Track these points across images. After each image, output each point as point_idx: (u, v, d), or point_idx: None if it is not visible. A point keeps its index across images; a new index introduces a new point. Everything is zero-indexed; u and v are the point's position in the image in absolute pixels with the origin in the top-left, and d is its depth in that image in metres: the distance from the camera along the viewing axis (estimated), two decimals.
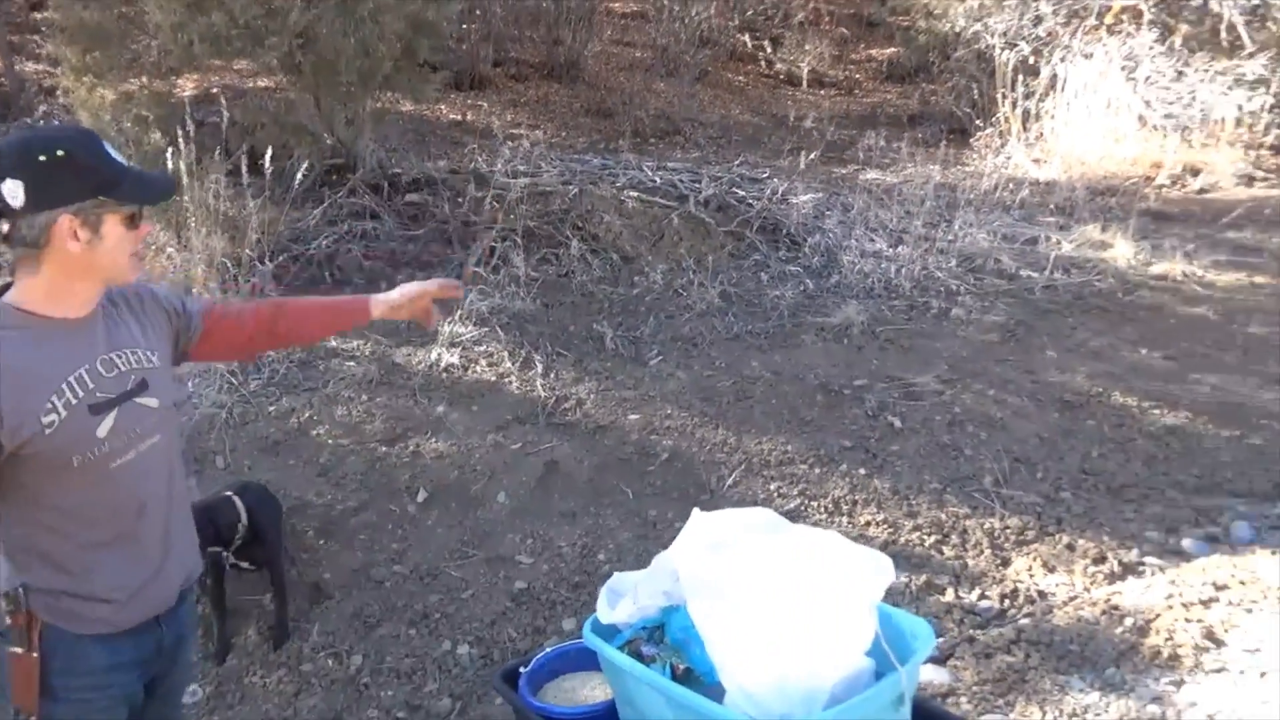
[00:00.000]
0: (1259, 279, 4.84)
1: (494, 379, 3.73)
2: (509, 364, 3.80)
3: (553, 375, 3.76)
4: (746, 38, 9.59)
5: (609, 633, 1.74)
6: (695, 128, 7.57)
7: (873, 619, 1.57)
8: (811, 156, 6.11)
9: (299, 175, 4.49)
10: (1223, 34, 6.64)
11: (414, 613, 2.68)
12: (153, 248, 4.21)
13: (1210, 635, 2.56)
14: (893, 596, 2.81)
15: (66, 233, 1.37)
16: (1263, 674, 2.42)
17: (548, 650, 1.96)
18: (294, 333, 1.81)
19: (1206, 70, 6.47)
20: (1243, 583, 2.76)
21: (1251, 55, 6.49)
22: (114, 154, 1.42)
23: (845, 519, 3.12)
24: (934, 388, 3.77)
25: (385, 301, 1.80)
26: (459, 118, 7.17)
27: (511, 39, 8.62)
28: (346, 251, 4.63)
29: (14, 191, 1.33)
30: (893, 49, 9.50)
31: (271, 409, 3.42)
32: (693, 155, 6.78)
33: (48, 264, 1.38)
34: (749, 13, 9.95)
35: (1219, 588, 2.75)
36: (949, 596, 2.81)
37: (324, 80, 5.12)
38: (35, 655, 1.42)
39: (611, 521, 3.07)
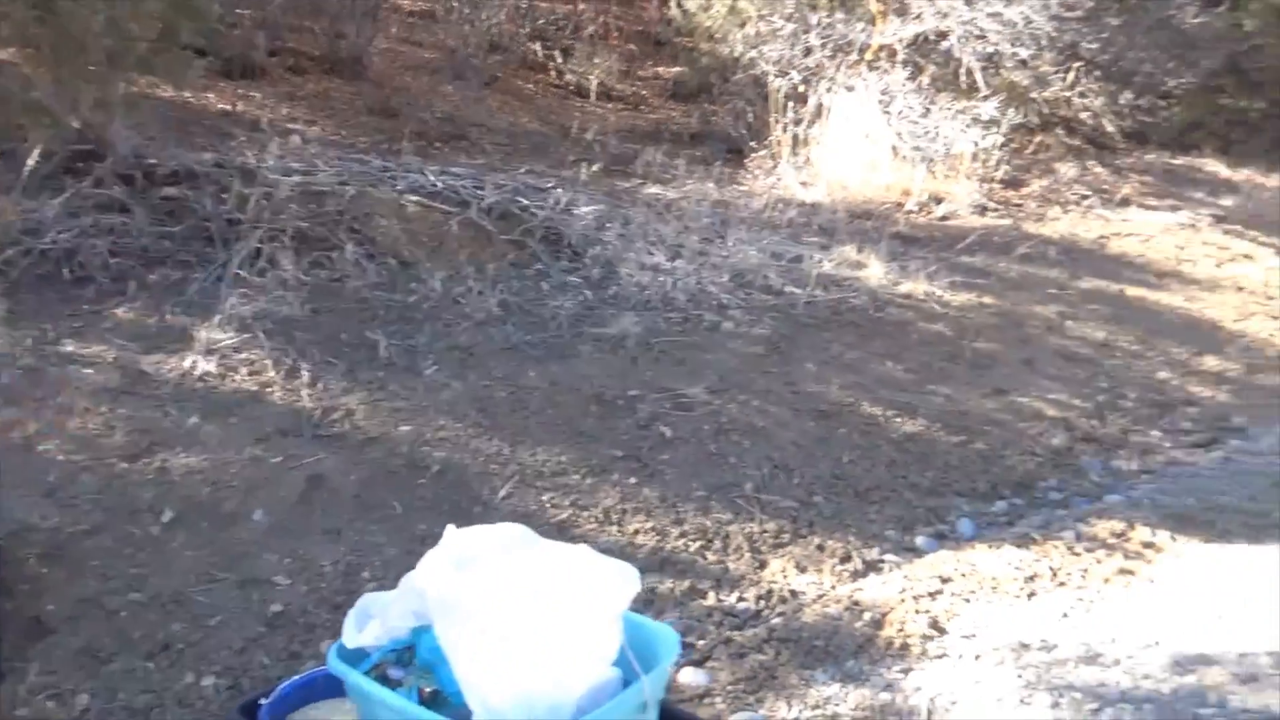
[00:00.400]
0: (986, 299, 5.40)
1: (255, 389, 3.53)
2: (273, 373, 3.61)
3: (320, 385, 3.60)
4: (537, 46, 9.61)
5: (358, 656, 1.69)
6: (482, 133, 7.50)
7: (617, 629, 1.61)
8: (595, 168, 6.21)
9: (32, 160, 4.06)
10: (962, 78, 7.37)
11: (153, 644, 2.49)
12: None
13: (935, 624, 2.83)
14: (659, 602, 2.92)
15: None
16: (977, 656, 2.70)
17: (293, 678, 1.88)
18: None
19: (949, 109, 7.15)
20: (963, 575, 3.07)
21: (986, 98, 7.25)
22: None
23: (615, 528, 3.20)
24: (703, 398, 3.94)
25: None
26: (228, 108, 6.72)
27: (290, 28, 8.19)
28: (90, 247, 4.23)
29: None
30: (678, 68, 9.83)
31: None
32: (478, 161, 6.71)
33: None
34: (540, 21, 9.98)
35: (944, 580, 3.04)
36: (710, 600, 2.94)
37: (66, 58, 4.66)
38: None
39: (378, 538, 2.98)
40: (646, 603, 2.91)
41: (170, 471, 3.02)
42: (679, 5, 9.76)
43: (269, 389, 3.53)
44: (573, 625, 1.59)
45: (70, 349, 3.58)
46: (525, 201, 5.45)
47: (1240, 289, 6.45)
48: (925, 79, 7.43)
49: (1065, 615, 2.88)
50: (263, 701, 1.77)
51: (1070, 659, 2.65)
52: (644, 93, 9.79)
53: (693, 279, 4.95)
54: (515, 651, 1.55)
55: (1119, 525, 3.42)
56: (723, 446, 3.68)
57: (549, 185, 5.92)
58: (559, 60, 9.50)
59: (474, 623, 1.54)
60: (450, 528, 1.75)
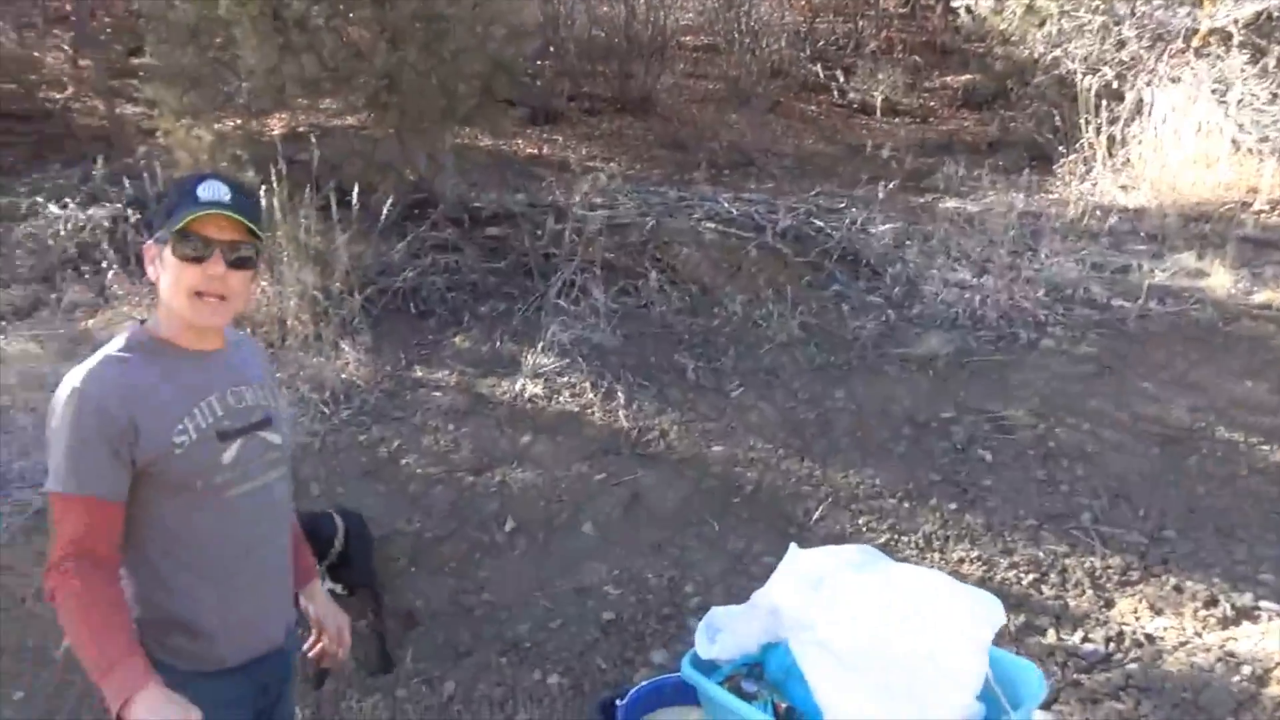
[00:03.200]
0: None
1: (577, 410, 3.76)
2: (591, 395, 3.82)
3: (635, 406, 3.76)
4: (818, 68, 9.58)
5: (707, 668, 1.73)
6: (769, 158, 7.57)
7: (983, 662, 1.53)
8: (889, 185, 6.04)
9: (384, 210, 4.61)
10: None
11: (503, 642, 2.69)
12: None
13: None
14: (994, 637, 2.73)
15: (147, 260, 1.49)
16: None
17: (643, 684, 1.95)
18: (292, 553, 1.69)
19: None
20: None
21: None
22: (203, 189, 1.43)
23: (937, 555, 3.05)
24: (1026, 421, 3.67)
25: (317, 601, 1.76)
26: (535, 152, 7.29)
27: (585, 74, 8.76)
28: (430, 284, 4.73)
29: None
30: (968, 76, 9.38)
31: (362, 438, 3.49)
32: (768, 186, 6.77)
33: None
34: (820, 43, 9.96)
35: None
36: (1050, 638, 2.72)
37: (407, 118, 5.27)
38: None
39: (698, 554, 3.04)
40: None
41: (509, 485, 3.27)
42: (968, 10, 9.33)
43: (589, 410, 3.74)
44: (936, 654, 1.52)
45: (420, 374, 4.00)
46: (819, 223, 5.41)
47: None
48: (1271, 61, 6.53)
49: None
50: (618, 702, 1.86)
51: None
52: (932, 104, 9.43)
53: (1003, 295, 4.65)
54: (876, 676, 1.51)
55: None
56: (1051, 473, 3.41)
57: (841, 205, 5.85)
58: (840, 80, 9.40)
59: (833, 644, 1.52)
60: (793, 546, 1.74)
